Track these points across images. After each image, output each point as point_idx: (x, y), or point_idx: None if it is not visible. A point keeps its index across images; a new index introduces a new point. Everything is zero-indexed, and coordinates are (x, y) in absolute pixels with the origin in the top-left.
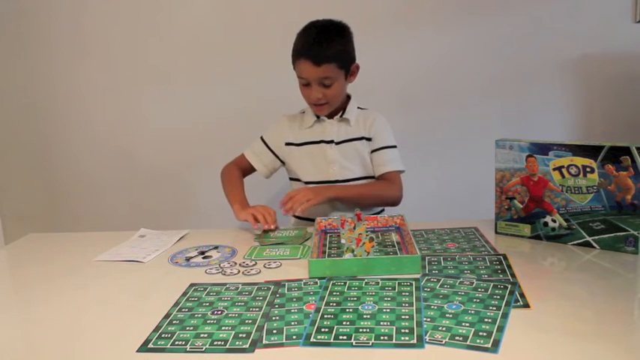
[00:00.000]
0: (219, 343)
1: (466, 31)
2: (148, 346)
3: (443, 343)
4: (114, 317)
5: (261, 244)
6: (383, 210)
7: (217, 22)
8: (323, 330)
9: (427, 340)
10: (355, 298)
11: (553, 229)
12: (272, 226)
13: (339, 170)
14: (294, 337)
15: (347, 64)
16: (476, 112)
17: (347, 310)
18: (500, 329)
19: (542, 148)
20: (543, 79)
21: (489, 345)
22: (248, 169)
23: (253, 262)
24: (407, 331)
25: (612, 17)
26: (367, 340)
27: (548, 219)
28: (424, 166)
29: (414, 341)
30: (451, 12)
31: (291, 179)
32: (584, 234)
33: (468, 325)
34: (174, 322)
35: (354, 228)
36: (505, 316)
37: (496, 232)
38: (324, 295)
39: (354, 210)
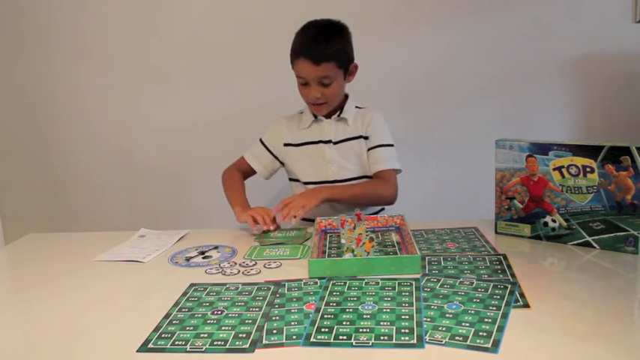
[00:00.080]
0: (219, 343)
1: (466, 30)
2: (148, 346)
3: (443, 343)
4: (114, 317)
5: (261, 244)
6: (383, 209)
7: (217, 22)
8: (323, 330)
9: (427, 340)
10: (355, 298)
11: (553, 229)
12: (271, 227)
13: (337, 170)
14: (294, 337)
15: (346, 64)
16: (476, 112)
17: (347, 310)
18: (500, 329)
19: (542, 148)
20: (543, 79)
21: (489, 345)
22: (248, 172)
23: (253, 262)
24: (407, 331)
25: (612, 17)
26: (367, 340)
27: (548, 219)
28: (424, 166)
29: (414, 341)
30: (450, 12)
31: (290, 180)
32: (584, 234)
33: (468, 325)
34: (174, 322)
35: (354, 228)
36: (505, 316)
37: (496, 232)
38: (324, 295)
39: (353, 210)
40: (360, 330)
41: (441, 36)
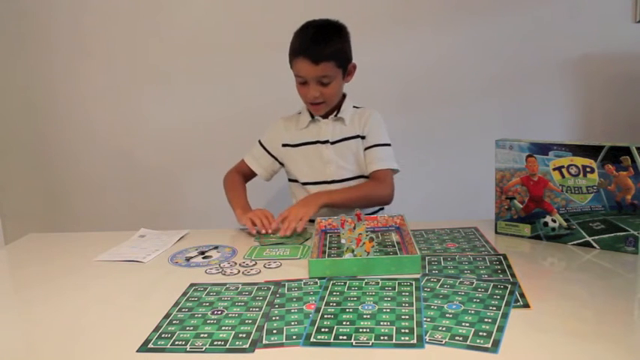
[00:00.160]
0: (219, 343)
1: (466, 30)
2: (148, 346)
3: (443, 343)
4: (114, 317)
5: (261, 244)
6: (382, 209)
7: (217, 22)
8: (323, 330)
9: (427, 340)
10: (355, 298)
11: (553, 229)
12: (269, 231)
13: (335, 170)
14: (294, 337)
15: (344, 63)
16: (476, 112)
17: (347, 310)
18: (500, 329)
19: (542, 148)
20: (543, 79)
21: (489, 345)
22: (249, 174)
23: (253, 262)
24: (407, 331)
25: (612, 17)
26: (367, 340)
27: (548, 219)
28: (424, 166)
29: (414, 341)
30: (451, 12)
31: (290, 180)
32: (584, 234)
33: (468, 325)
34: (174, 322)
35: (354, 228)
36: (505, 316)
37: (496, 232)
38: (324, 295)
39: (352, 210)
40: (360, 330)
41: (441, 36)
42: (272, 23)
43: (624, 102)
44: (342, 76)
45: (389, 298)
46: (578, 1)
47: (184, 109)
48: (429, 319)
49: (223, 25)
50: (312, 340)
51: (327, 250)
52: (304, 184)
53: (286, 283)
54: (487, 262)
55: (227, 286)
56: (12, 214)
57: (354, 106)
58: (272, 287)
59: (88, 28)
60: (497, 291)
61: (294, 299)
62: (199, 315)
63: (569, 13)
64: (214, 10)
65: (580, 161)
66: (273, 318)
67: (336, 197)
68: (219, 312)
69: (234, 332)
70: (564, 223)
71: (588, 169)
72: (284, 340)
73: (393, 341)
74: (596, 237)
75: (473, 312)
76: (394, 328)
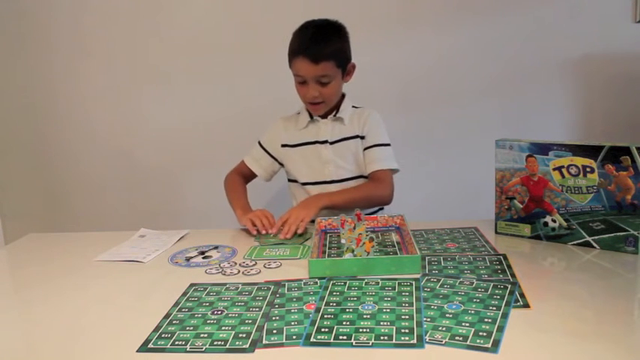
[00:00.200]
0: (219, 343)
1: (466, 30)
2: (148, 346)
3: (443, 343)
4: (114, 317)
5: (261, 244)
6: (381, 209)
7: (217, 22)
8: (323, 330)
9: (427, 340)
10: (355, 298)
11: (553, 229)
12: (269, 231)
13: (334, 170)
14: (294, 337)
15: (344, 63)
16: (476, 112)
17: (347, 310)
18: (500, 329)
19: (542, 148)
20: (543, 79)
21: (489, 345)
22: (249, 175)
23: (253, 262)
24: (407, 331)
25: (612, 17)
26: (367, 340)
27: (548, 219)
28: (424, 166)
29: (414, 341)
30: (451, 11)
31: (289, 180)
32: (584, 234)
33: (468, 325)
34: (174, 322)
35: (354, 228)
36: (505, 316)
37: (496, 232)
38: (324, 295)
39: (352, 210)
40: (360, 330)
41: (441, 36)
42: (272, 23)
43: (624, 102)
44: (342, 75)
45: (389, 298)
46: (578, 2)
47: (184, 109)
48: (429, 319)
49: (223, 25)
50: (312, 340)
51: (327, 250)
52: (304, 184)
53: (286, 283)
54: (487, 262)
55: (227, 286)
56: (12, 214)
57: (354, 106)
58: (272, 287)
59: (88, 28)
60: (497, 291)
61: (294, 299)
62: (199, 315)
63: (570, 13)
64: (214, 10)
65: (580, 161)
66: (273, 318)
67: (337, 199)
68: (219, 312)
69: (234, 332)
70: (564, 223)
71: (588, 169)
72: (284, 340)
73: (393, 341)
74: (596, 237)
75: (473, 312)
76: (394, 328)
